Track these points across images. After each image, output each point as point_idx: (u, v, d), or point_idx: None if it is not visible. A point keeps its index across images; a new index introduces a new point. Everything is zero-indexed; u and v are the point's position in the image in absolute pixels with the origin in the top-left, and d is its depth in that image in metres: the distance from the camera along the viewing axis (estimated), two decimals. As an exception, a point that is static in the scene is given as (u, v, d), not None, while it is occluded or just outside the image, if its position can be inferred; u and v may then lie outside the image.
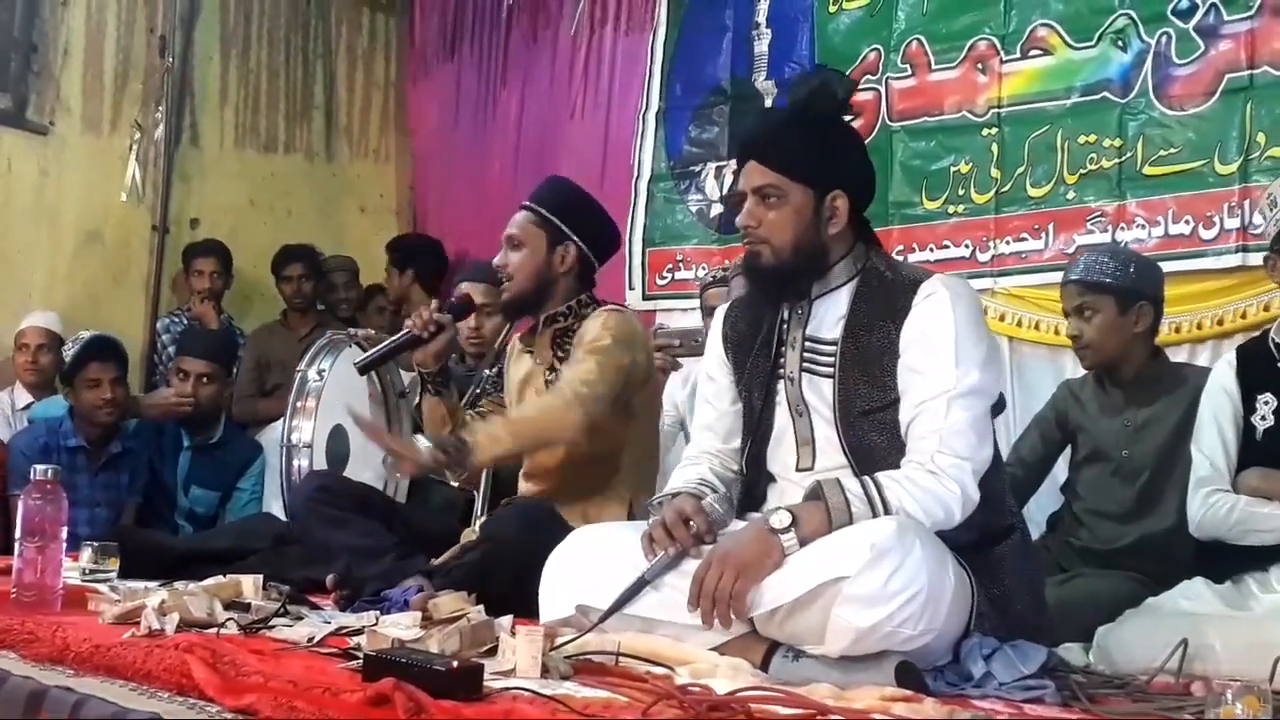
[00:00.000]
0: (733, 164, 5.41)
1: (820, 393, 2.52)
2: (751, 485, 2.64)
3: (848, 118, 2.69)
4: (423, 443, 3.00)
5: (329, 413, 4.04)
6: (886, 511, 2.30)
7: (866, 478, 2.36)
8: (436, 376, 3.36)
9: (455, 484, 3.58)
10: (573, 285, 3.37)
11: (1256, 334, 3.34)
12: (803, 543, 2.30)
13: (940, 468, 2.35)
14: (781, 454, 2.58)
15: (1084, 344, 3.40)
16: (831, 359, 2.51)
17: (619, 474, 3.30)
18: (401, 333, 3.36)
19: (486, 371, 3.83)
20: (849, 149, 2.62)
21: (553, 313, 3.35)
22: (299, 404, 4.11)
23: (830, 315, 2.53)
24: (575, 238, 3.35)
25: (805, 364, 2.54)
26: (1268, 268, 3.14)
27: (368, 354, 3.48)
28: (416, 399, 3.68)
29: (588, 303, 3.38)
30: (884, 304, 2.49)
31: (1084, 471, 3.48)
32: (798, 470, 2.55)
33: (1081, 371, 3.59)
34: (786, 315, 2.60)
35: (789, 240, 2.50)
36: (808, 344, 2.55)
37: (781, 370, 2.58)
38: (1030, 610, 2.46)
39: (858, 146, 2.66)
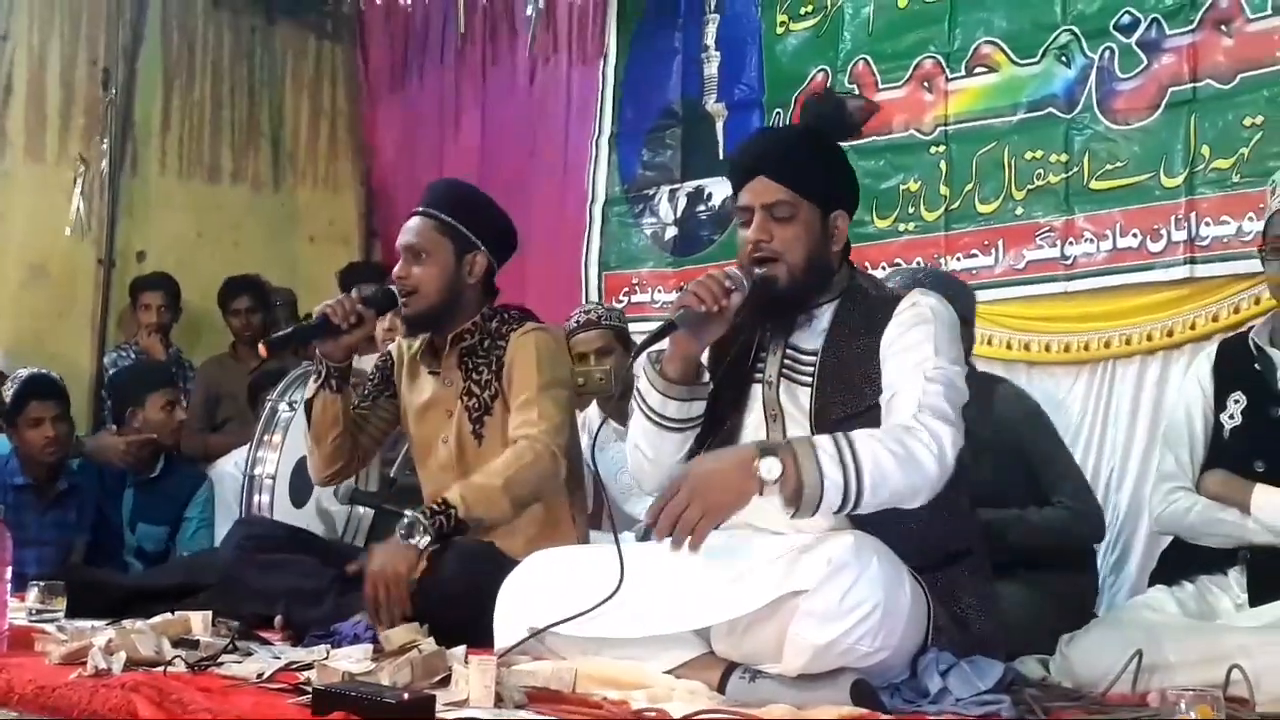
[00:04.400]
0: (687, 186, 5.45)
1: (796, 400, 2.53)
2: None
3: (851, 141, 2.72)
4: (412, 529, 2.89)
5: (296, 446, 3.97)
6: (858, 470, 2.22)
7: (839, 435, 2.28)
8: (340, 371, 3.21)
9: (409, 513, 3.53)
10: (479, 297, 3.23)
11: (1239, 331, 3.30)
12: (785, 501, 2.23)
13: (921, 423, 2.32)
14: None
15: None
16: (811, 368, 2.53)
17: (562, 503, 3.23)
18: (317, 317, 3.16)
19: (370, 370, 3.55)
20: (850, 170, 2.66)
21: (459, 330, 3.21)
22: (266, 436, 4.02)
23: (814, 327, 2.56)
24: (483, 246, 3.21)
25: (785, 371, 2.55)
26: (1265, 255, 3.04)
27: (276, 335, 3.31)
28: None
29: (492, 316, 3.25)
30: (866, 318, 2.51)
31: None
32: None
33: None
34: (769, 324, 2.60)
35: (802, 257, 2.51)
36: (789, 352, 2.56)
37: (760, 375, 2.58)
38: (988, 630, 2.45)
39: (852, 169, 2.69)
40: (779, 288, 2.51)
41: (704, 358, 2.61)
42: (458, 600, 2.74)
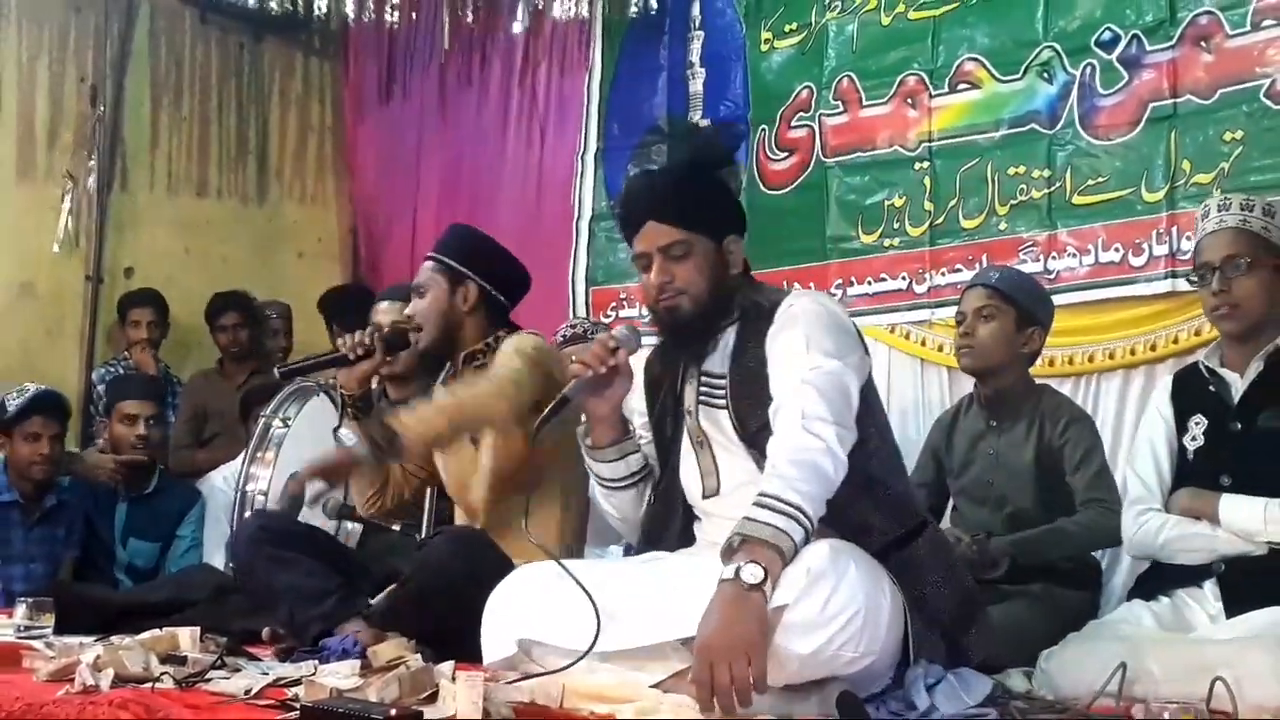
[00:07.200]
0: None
1: (717, 423, 2.63)
2: (667, 516, 2.71)
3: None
4: (349, 438, 3.04)
5: (288, 461, 3.97)
6: (794, 507, 2.22)
7: (758, 497, 2.26)
8: (358, 401, 3.31)
9: (396, 528, 3.55)
10: (483, 323, 3.36)
11: (1190, 360, 3.38)
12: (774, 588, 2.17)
13: (807, 432, 2.34)
14: (689, 484, 2.68)
15: (971, 342, 3.54)
16: (723, 391, 2.62)
17: (553, 509, 3.25)
18: (330, 350, 3.41)
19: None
20: (733, 196, 2.78)
21: (470, 351, 3.34)
22: (259, 453, 4.03)
23: (722, 350, 2.64)
24: (473, 275, 3.36)
25: (701, 398, 2.65)
26: (1191, 278, 3.16)
27: (291, 364, 3.55)
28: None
29: (504, 338, 3.34)
30: (757, 329, 2.59)
31: (958, 500, 3.65)
32: (704, 498, 2.64)
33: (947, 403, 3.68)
34: (683, 355, 2.71)
35: (705, 288, 2.62)
36: (703, 379, 2.66)
37: (681, 405, 2.69)
38: (955, 601, 2.46)
39: (734, 194, 2.81)
40: (683, 318, 2.60)
41: (642, 398, 2.78)
42: (450, 585, 2.81)
